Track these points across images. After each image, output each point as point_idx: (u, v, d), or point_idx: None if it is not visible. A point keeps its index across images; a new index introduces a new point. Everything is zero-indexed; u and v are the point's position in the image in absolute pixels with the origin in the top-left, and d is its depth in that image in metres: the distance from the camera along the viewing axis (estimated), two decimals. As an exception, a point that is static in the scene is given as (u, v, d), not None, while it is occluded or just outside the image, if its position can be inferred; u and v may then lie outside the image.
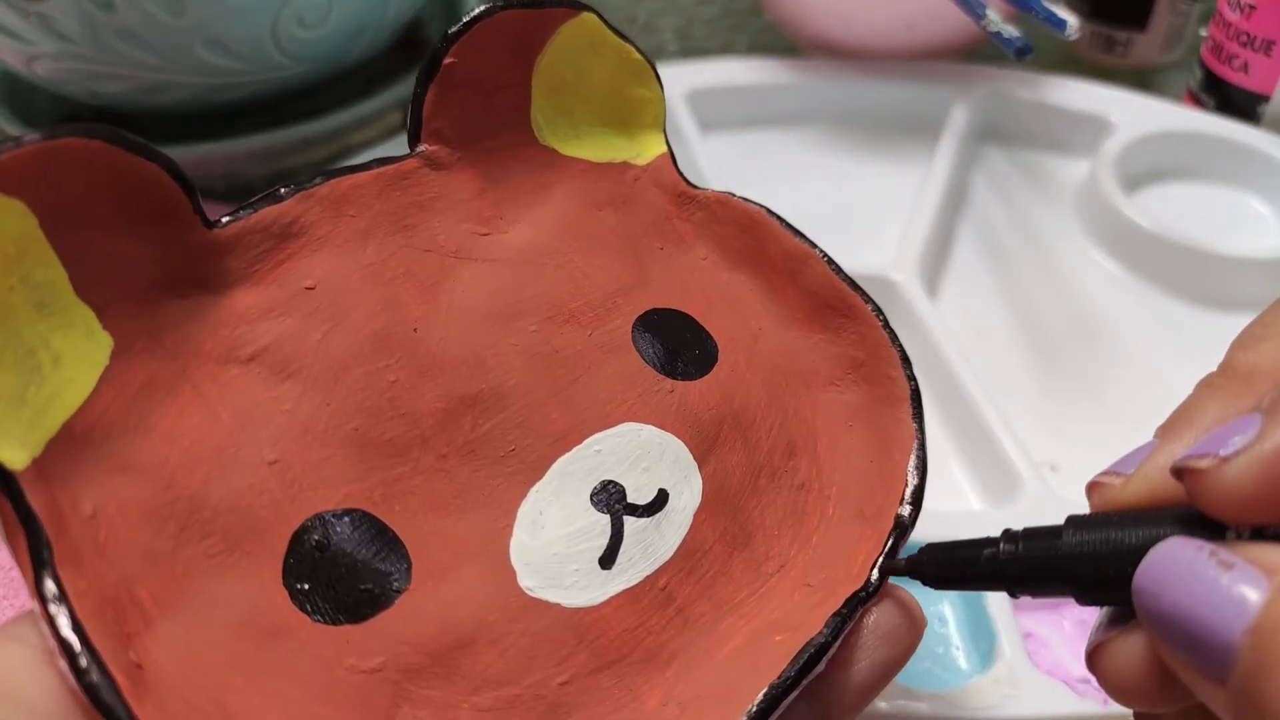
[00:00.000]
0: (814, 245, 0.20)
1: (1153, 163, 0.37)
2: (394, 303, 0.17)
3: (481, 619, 0.16)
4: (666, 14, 0.52)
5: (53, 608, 0.12)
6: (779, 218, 0.20)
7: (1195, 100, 0.40)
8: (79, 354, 0.14)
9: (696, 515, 0.18)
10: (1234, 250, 0.33)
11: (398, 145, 0.35)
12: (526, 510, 0.17)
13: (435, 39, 0.48)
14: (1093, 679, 0.22)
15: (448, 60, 0.18)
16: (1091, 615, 0.24)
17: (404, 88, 0.38)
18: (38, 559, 0.13)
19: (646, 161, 0.21)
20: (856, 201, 0.37)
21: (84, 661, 0.12)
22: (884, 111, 0.40)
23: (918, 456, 0.18)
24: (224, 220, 0.16)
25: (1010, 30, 0.31)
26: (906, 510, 0.17)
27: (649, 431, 0.18)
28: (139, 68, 0.32)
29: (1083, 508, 0.15)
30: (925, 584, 0.16)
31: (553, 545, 0.16)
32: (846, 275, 0.20)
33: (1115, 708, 0.21)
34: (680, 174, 0.21)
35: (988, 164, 0.39)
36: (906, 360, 0.19)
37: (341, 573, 0.15)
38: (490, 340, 0.18)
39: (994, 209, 0.37)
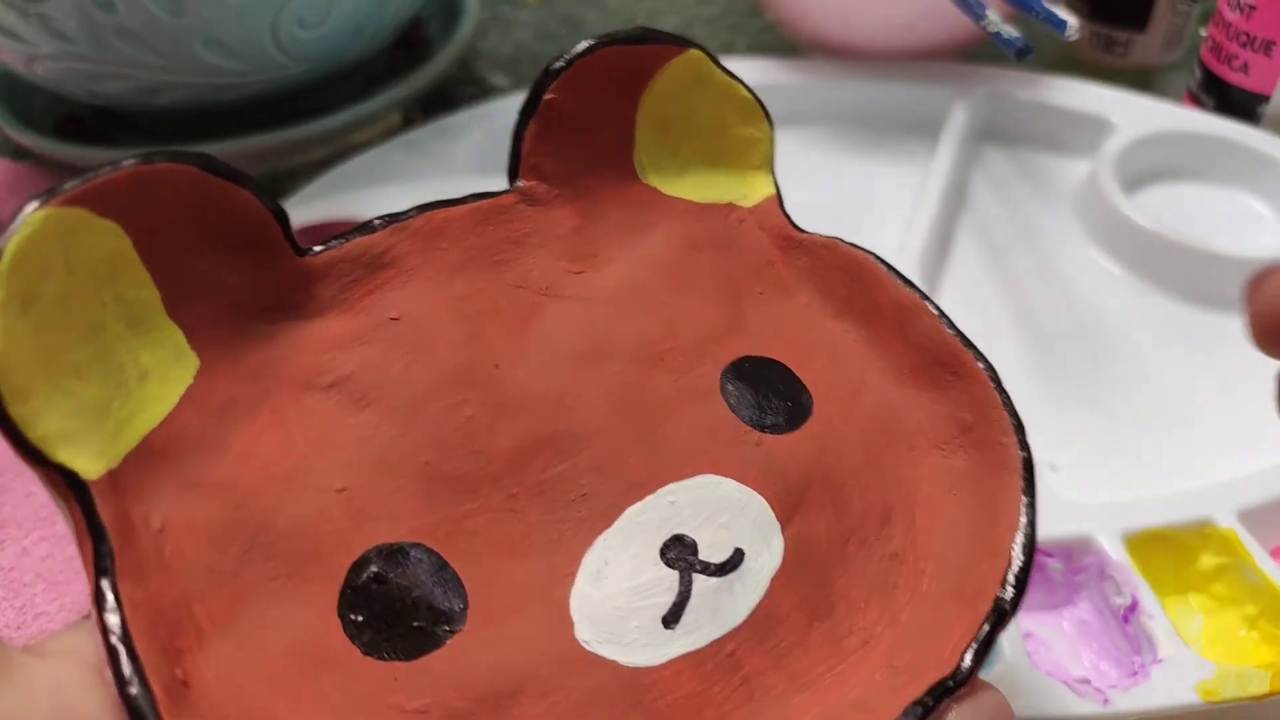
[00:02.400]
0: (925, 296, 0.19)
1: (1153, 163, 0.37)
2: (478, 338, 0.17)
3: (533, 669, 0.15)
4: (666, 14, 0.52)
5: (107, 616, 0.12)
6: (888, 265, 0.19)
7: (1195, 100, 0.40)
8: (165, 371, 0.15)
9: (774, 579, 0.16)
10: (1234, 250, 0.32)
11: (398, 146, 0.35)
12: (591, 559, 0.16)
13: (435, 39, 0.48)
14: (1092, 679, 0.22)
15: (548, 96, 0.18)
16: (1091, 618, 0.24)
17: (404, 88, 0.38)
18: (100, 567, 0.13)
19: (753, 203, 0.20)
20: (856, 201, 0.37)
21: (127, 671, 0.12)
22: (884, 111, 0.40)
23: (1025, 534, 0.16)
24: (316, 249, 0.17)
25: (1010, 31, 0.31)
26: (1009, 592, 0.15)
27: (729, 485, 0.17)
28: (139, 68, 0.32)
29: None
30: None
31: (616, 598, 0.16)
32: (958, 329, 0.18)
33: (1115, 708, 0.21)
34: (788, 217, 0.20)
35: (988, 164, 0.39)
36: (1021, 428, 0.17)
37: (396, 608, 0.15)
38: (573, 380, 0.17)
39: (994, 209, 0.37)
